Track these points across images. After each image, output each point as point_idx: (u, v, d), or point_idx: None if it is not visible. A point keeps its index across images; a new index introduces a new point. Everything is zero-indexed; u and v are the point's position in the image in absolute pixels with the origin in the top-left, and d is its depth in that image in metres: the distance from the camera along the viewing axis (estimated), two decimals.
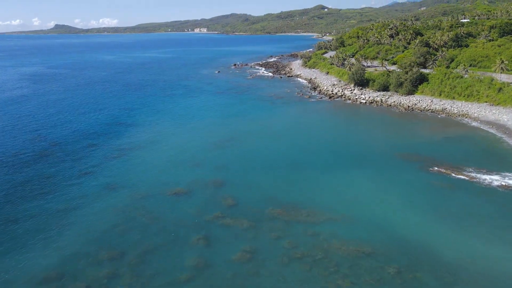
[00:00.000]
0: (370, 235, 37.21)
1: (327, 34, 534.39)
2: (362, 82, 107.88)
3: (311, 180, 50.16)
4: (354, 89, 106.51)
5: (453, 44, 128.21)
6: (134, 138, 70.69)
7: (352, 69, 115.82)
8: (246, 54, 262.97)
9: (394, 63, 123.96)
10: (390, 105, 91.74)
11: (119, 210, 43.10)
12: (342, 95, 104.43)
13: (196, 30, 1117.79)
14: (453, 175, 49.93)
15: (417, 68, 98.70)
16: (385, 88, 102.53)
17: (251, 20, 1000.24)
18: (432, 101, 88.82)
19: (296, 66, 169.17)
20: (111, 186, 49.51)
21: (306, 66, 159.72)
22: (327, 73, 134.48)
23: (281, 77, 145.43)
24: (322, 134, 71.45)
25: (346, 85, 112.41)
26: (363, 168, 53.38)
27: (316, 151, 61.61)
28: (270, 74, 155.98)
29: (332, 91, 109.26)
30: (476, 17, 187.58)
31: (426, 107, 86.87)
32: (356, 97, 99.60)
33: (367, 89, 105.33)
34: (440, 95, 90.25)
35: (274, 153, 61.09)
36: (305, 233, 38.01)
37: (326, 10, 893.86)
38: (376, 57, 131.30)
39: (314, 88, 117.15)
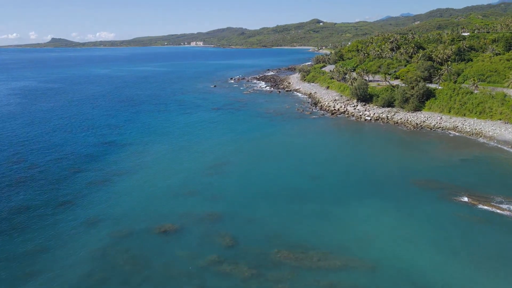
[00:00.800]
0: (397, 287, 31.00)
1: (323, 48, 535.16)
2: (365, 98, 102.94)
3: (320, 213, 44.07)
4: (357, 105, 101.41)
5: (456, 58, 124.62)
6: (122, 161, 64.44)
7: (354, 84, 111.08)
8: (243, 68, 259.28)
9: (396, 77, 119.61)
10: (397, 123, 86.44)
11: (97, 253, 36.64)
12: (345, 111, 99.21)
13: (193, 44, 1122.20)
14: (480, 206, 44.11)
15: (423, 83, 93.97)
16: (389, 104, 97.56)
17: (247, 33, 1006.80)
18: (441, 118, 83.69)
19: (295, 80, 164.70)
20: (90, 221, 43.05)
21: (305, 80, 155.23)
22: (327, 87, 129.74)
23: (279, 91, 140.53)
24: (328, 156, 65.58)
25: (348, 100, 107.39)
26: (377, 198, 47.41)
27: (323, 176, 55.65)
28: (268, 88, 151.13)
29: (334, 107, 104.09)
30: (476, 31, 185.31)
31: (436, 125, 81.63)
32: (360, 114, 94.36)
33: (371, 105, 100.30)
34: (450, 111, 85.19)
35: (277, 179, 55.04)
36: (318, 284, 31.73)
37: (321, 24, 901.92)
38: (378, 71, 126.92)
39: (315, 104, 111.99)
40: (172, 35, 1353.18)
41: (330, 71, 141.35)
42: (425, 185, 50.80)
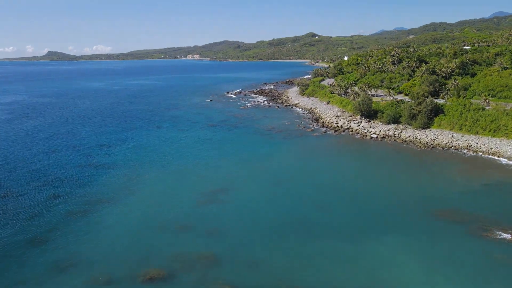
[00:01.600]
0: None
1: (320, 61, 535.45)
2: (369, 114, 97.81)
3: (331, 254, 37.89)
4: (361, 121, 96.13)
5: (460, 72, 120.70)
6: (107, 186, 58.07)
7: (357, 99, 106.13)
8: (240, 81, 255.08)
9: (400, 92, 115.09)
10: (405, 141, 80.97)
11: None
12: (348, 128, 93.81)
13: (189, 57, 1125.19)
14: None
15: (431, 99, 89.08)
16: (395, 120, 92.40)
17: (243, 47, 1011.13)
18: (452, 136, 78.39)
19: (293, 94, 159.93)
20: (62, 266, 36.49)
21: (304, 94, 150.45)
22: (328, 102, 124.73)
23: (278, 106, 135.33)
24: (335, 180, 59.65)
25: (351, 116, 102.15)
26: (396, 233, 41.34)
27: (332, 205, 49.59)
28: (266, 103, 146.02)
29: (336, 123, 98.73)
30: (476, 44, 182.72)
31: (448, 143, 76.26)
32: (365, 131, 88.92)
33: (376, 121, 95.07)
34: (461, 129, 79.97)
35: (280, 208, 48.88)
36: None
37: (317, 37, 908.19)
38: (380, 86, 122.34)
39: (316, 120, 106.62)
40: (169, 48, 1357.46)
41: (330, 85, 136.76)
42: (449, 217, 44.85)
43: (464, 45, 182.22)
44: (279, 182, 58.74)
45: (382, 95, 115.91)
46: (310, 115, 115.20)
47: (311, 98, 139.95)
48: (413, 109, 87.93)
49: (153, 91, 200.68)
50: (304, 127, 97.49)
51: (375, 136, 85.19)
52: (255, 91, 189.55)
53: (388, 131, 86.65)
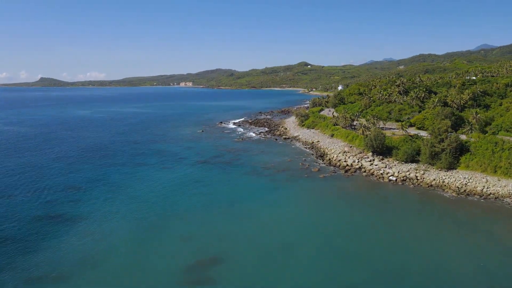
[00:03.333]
0: None
1: (314, 89, 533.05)
2: (382, 150, 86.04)
3: None
4: (373, 159, 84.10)
5: (473, 104, 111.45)
6: (62, 255, 43.93)
7: (366, 133, 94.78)
8: (233, 110, 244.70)
9: (411, 125, 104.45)
10: (431, 186, 68.62)
11: None
12: (360, 168, 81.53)
13: (182, 84, 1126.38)
14: None
15: (456, 135, 77.82)
16: (413, 158, 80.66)
17: (236, 75, 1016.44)
18: (487, 180, 66.37)
19: (291, 125, 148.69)
20: None
21: (303, 125, 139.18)
22: (332, 135, 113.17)
23: (276, 139, 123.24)
24: (359, 245, 46.34)
25: (361, 153, 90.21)
26: None
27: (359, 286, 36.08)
28: (263, 135, 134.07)
29: (345, 161, 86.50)
30: (480, 75, 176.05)
31: (484, 190, 64.03)
32: (381, 172, 76.60)
33: (390, 160, 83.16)
34: (495, 171, 68.15)
35: None
36: None
37: (309, 66, 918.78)
38: (389, 118, 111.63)
39: (321, 156, 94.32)
40: (162, 75, 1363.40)
41: (333, 116, 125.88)
42: None
43: (469, 75, 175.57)
44: (288, 247, 45.15)
45: (392, 128, 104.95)
46: (314, 151, 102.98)
47: (312, 130, 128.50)
48: (435, 147, 76.36)
49: (140, 120, 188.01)
50: (308, 166, 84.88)
51: (394, 178, 72.73)
52: (250, 121, 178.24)
53: (408, 173, 74.37)
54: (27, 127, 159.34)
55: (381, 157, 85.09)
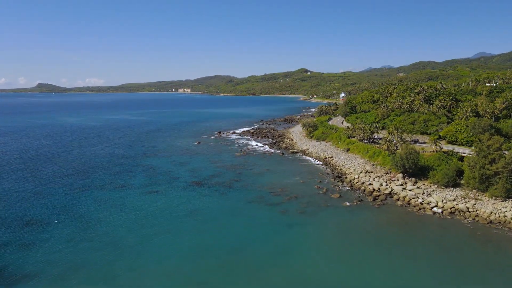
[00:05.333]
0: None
1: (315, 96, 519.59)
2: (415, 171, 71.12)
3: None
4: (405, 183, 69.10)
5: (508, 113, 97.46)
6: None
7: (391, 148, 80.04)
8: (233, 118, 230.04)
9: (439, 138, 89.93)
10: (491, 221, 53.52)
11: None
12: (390, 194, 66.46)
13: (180, 90, 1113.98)
14: None
15: None
16: (454, 182, 65.80)
17: (235, 81, 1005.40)
18: None
19: (298, 136, 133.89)
20: None
21: (311, 137, 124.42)
22: (347, 150, 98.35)
23: (282, 153, 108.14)
24: None
25: (387, 173, 75.25)
26: None
27: None
28: (267, 147, 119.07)
29: (370, 183, 71.46)
30: (499, 81, 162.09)
31: None
32: (419, 200, 61.49)
33: (426, 183, 68.23)
34: None
35: None
36: None
37: (309, 73, 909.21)
38: (414, 130, 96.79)
39: (339, 177, 79.22)
40: (160, 81, 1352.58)
41: (348, 127, 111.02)
42: None
43: (488, 82, 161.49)
44: None
45: (419, 142, 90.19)
46: (328, 169, 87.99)
47: (323, 143, 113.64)
48: (486, 169, 61.47)
49: (133, 129, 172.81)
50: (327, 190, 69.69)
51: (440, 210, 57.61)
52: (251, 130, 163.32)
53: (455, 202, 59.29)
54: (7, 137, 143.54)
55: (413, 179, 70.11)
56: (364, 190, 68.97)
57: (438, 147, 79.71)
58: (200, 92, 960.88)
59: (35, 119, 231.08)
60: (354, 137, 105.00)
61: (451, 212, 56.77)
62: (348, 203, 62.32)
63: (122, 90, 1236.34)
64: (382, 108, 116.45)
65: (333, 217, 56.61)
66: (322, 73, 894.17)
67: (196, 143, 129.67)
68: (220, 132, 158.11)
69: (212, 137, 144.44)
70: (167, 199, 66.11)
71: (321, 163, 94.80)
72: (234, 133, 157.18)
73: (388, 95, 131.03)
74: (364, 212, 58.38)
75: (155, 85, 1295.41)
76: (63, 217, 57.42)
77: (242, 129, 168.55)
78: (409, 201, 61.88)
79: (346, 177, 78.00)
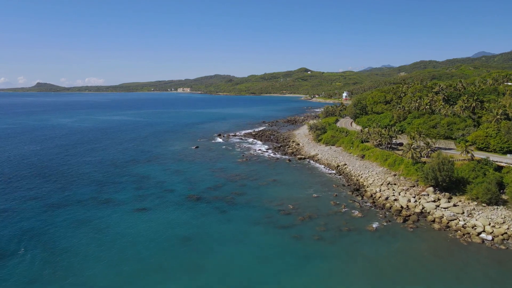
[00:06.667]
0: None
1: (316, 96, 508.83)
2: (449, 184, 60.80)
3: None
4: (438, 198, 58.81)
5: None
6: None
7: (416, 156, 69.79)
8: (233, 118, 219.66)
9: (466, 142, 79.79)
10: None
11: None
12: (422, 212, 56.15)
13: (180, 90, 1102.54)
14: None
15: None
16: (497, 198, 55.57)
17: (235, 80, 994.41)
18: None
19: (304, 140, 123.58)
20: None
21: (319, 141, 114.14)
22: (362, 157, 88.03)
23: (289, 160, 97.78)
24: None
25: (414, 186, 64.92)
26: None
27: None
28: (271, 152, 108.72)
29: (396, 199, 61.15)
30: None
31: None
32: (461, 223, 51.14)
33: (462, 199, 58.04)
34: None
35: None
36: None
37: (309, 72, 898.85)
38: (439, 134, 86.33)
39: (357, 190, 68.82)
40: (160, 81, 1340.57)
41: (361, 131, 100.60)
42: None
43: (506, 81, 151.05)
44: None
45: (445, 149, 79.91)
46: (343, 179, 77.69)
47: (333, 148, 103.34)
48: None
49: (128, 131, 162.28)
50: (345, 208, 59.36)
51: (489, 237, 47.27)
52: (253, 133, 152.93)
53: (505, 226, 48.97)
54: None
55: (446, 194, 59.87)
56: (390, 207, 58.65)
57: (470, 155, 69.43)
58: (199, 92, 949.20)
59: (27, 120, 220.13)
60: (368, 141, 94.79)
61: (503, 239, 46.46)
62: (374, 226, 52.00)
63: (121, 90, 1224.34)
64: (398, 110, 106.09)
65: (358, 246, 46.29)
66: (323, 73, 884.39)
67: (194, 147, 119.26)
68: (220, 134, 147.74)
69: (212, 141, 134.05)
70: (158, 220, 55.77)
71: (333, 171, 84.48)
72: (235, 135, 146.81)
73: (402, 95, 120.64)
74: (396, 239, 48.04)
75: (154, 85, 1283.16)
76: (32, 245, 47.23)
77: (243, 131, 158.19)
78: (447, 223, 51.55)
79: (365, 191, 67.65)
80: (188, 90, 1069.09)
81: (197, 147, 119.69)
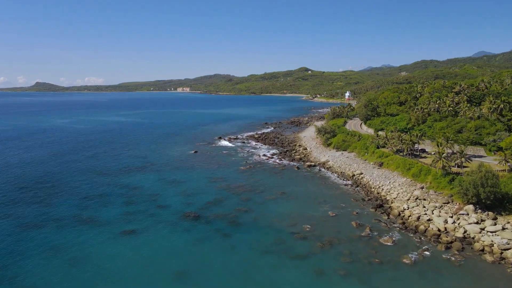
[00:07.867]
0: None
1: (318, 96, 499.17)
2: (493, 202, 51.48)
3: None
4: (482, 219, 49.46)
5: None
6: None
7: (447, 165, 60.51)
8: (234, 119, 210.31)
9: (498, 148, 71.00)
10: None
11: None
12: (465, 237, 46.82)
13: (179, 90, 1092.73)
14: None
15: None
16: None
17: (235, 80, 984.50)
18: None
19: (312, 144, 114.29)
20: None
21: (329, 145, 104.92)
22: (380, 165, 78.71)
23: (298, 167, 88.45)
24: None
25: (449, 203, 55.57)
26: None
27: None
28: (277, 158, 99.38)
29: (430, 219, 51.77)
30: None
31: None
32: None
33: (509, 219, 48.65)
34: None
35: None
36: None
37: (310, 72, 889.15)
38: (468, 140, 76.92)
39: (381, 206, 59.43)
40: (159, 80, 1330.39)
41: (378, 135, 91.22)
42: None
43: None
44: None
45: (472, 156, 70.68)
46: (361, 191, 68.33)
47: (345, 154, 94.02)
48: None
49: (122, 133, 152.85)
50: (370, 230, 50.04)
51: None
52: (255, 135, 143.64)
53: None
54: None
55: (489, 213, 50.58)
56: (425, 230, 49.28)
57: (509, 165, 60.18)
58: (199, 91, 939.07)
59: (18, 121, 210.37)
60: (384, 147, 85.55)
61: None
62: (411, 257, 42.63)
63: (121, 89, 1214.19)
64: (416, 111, 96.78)
65: (397, 286, 36.90)
66: (323, 72, 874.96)
67: (192, 152, 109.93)
68: (220, 137, 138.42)
69: (212, 144, 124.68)
70: (148, 247, 46.41)
71: (348, 182, 75.13)
72: (236, 138, 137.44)
73: (418, 95, 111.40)
74: (442, 276, 38.65)
75: (154, 84, 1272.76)
76: None
77: (245, 134, 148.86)
78: (501, 253, 42.14)
79: (391, 207, 58.33)
80: (188, 89, 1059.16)
81: (196, 151, 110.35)
